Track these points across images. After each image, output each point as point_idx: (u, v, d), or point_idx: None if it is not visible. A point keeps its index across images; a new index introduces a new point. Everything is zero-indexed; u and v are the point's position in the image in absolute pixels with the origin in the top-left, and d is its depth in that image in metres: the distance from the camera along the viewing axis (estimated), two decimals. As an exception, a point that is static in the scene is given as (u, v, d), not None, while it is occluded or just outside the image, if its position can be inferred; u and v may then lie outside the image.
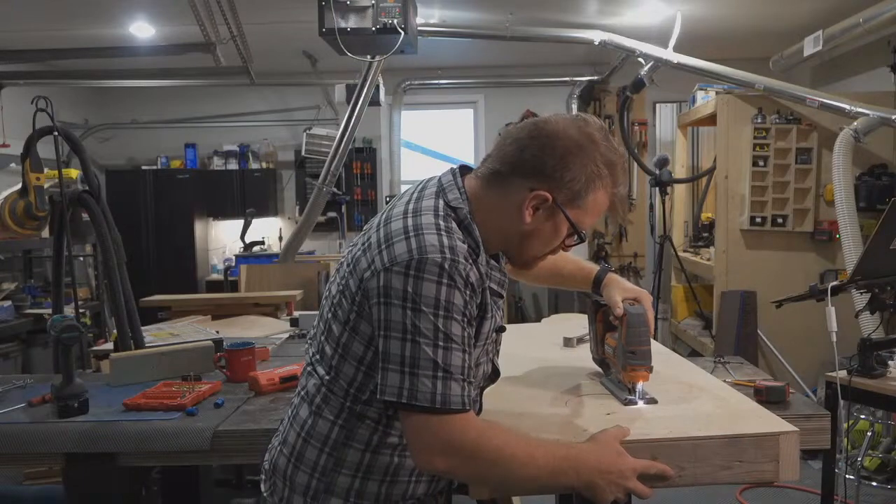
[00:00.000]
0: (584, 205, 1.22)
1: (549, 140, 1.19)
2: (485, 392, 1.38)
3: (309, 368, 1.31)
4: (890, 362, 2.47)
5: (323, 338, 1.26)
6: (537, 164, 1.19)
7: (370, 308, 1.15)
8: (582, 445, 1.19)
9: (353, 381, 1.21)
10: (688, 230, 6.10)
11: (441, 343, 1.10)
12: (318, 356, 1.27)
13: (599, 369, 1.66)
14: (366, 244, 1.19)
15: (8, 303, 4.10)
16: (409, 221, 1.16)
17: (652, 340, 1.46)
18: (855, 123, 4.16)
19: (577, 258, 1.68)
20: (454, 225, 1.18)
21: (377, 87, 4.69)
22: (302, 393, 1.31)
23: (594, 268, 1.62)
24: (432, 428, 1.10)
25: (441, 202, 1.21)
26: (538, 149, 1.19)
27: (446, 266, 1.11)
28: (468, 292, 1.13)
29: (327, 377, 1.24)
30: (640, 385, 1.42)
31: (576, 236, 1.26)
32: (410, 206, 1.20)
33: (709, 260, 5.12)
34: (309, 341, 1.36)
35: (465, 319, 1.13)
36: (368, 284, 1.14)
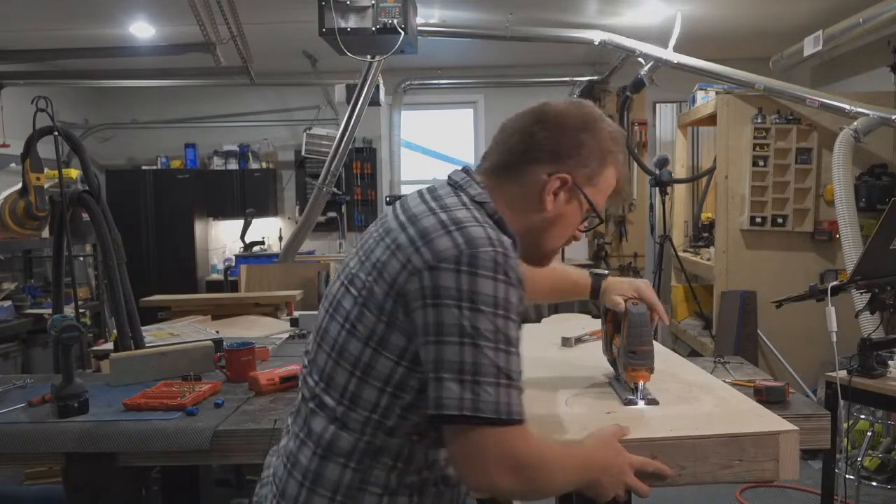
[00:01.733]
0: (598, 183, 1.19)
1: (558, 120, 1.17)
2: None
3: (311, 405, 1.14)
4: (890, 362, 2.47)
5: (331, 363, 1.11)
6: (552, 146, 1.15)
7: (411, 314, 1.03)
8: (588, 443, 1.18)
9: (375, 407, 1.07)
10: (688, 230, 6.10)
11: (502, 346, 1.00)
12: (323, 385, 1.12)
13: (602, 368, 1.66)
14: (391, 247, 1.07)
15: (8, 303, 4.10)
16: (443, 216, 1.06)
17: (653, 341, 1.46)
18: (855, 123, 4.16)
19: (567, 271, 1.67)
20: (489, 219, 1.10)
21: (377, 87, 4.69)
22: (301, 435, 1.14)
23: (587, 277, 1.62)
24: (497, 442, 0.99)
25: (465, 198, 1.13)
26: (550, 131, 1.16)
27: (500, 260, 1.01)
28: (520, 289, 1.04)
29: (340, 408, 1.09)
30: (641, 385, 1.42)
31: (590, 220, 1.23)
32: (433, 205, 1.10)
33: (709, 260, 5.12)
34: (304, 376, 1.19)
35: (519, 319, 1.04)
36: (407, 287, 1.03)
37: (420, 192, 1.20)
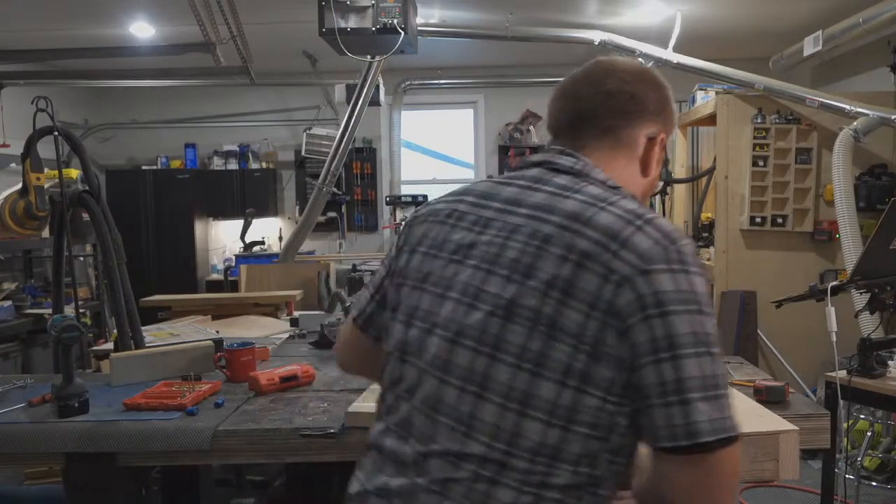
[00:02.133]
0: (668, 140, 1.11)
1: (643, 77, 1.06)
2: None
3: (487, 473, 0.89)
4: (889, 362, 2.47)
5: (512, 416, 0.89)
6: (651, 104, 1.05)
7: (627, 332, 0.86)
8: None
9: (580, 458, 0.89)
10: (688, 230, 6.10)
11: (721, 350, 0.89)
12: (503, 447, 0.89)
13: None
14: (571, 257, 0.89)
15: (8, 303, 4.10)
16: (615, 210, 0.92)
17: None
18: (855, 123, 4.17)
19: None
20: None
21: (377, 87, 4.69)
22: None
23: None
24: (731, 462, 0.87)
25: (600, 185, 0.98)
26: (644, 89, 1.05)
27: (695, 251, 0.91)
28: None
29: (538, 468, 0.88)
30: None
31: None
32: (582, 197, 0.95)
33: (709, 260, 5.12)
34: (459, 438, 0.92)
35: None
36: (617, 302, 0.86)
37: (520, 183, 1.01)
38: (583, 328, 0.87)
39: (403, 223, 1.16)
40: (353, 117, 4.39)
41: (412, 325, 1.01)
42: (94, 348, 2.84)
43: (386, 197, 6.90)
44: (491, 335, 0.91)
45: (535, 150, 6.98)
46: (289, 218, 7.20)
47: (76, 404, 1.79)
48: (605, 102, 1.04)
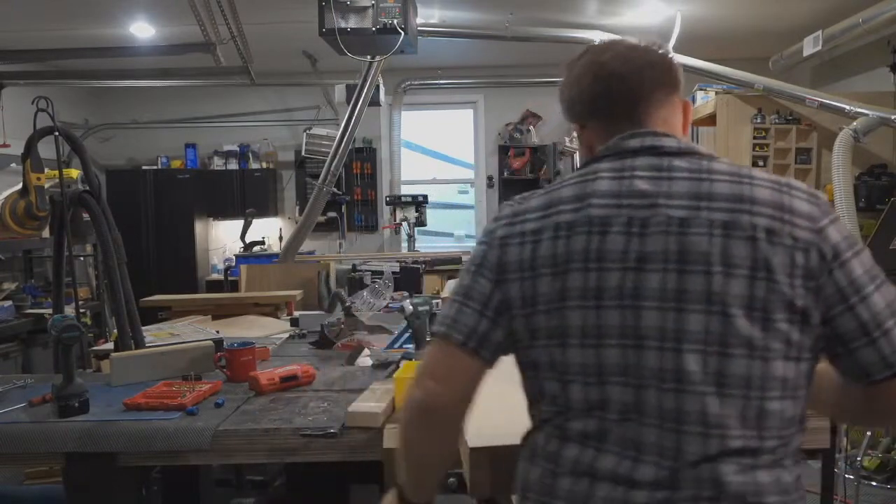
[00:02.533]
0: None
1: (658, 48, 1.11)
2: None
3: (734, 464, 0.92)
4: (889, 362, 2.47)
5: (756, 404, 0.93)
6: (675, 73, 1.10)
7: (820, 291, 0.94)
8: None
9: (801, 419, 0.99)
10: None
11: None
12: (754, 433, 0.93)
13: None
14: (759, 236, 0.93)
15: (8, 303, 4.10)
16: (761, 182, 0.97)
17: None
18: (854, 123, 4.17)
19: None
20: None
21: (377, 87, 4.70)
22: (706, 494, 0.92)
23: None
24: None
25: (714, 158, 1.03)
26: (667, 59, 1.10)
27: None
28: None
29: (785, 439, 0.96)
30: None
31: None
32: (724, 175, 0.98)
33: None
34: (709, 436, 0.93)
35: None
36: (810, 265, 0.93)
37: (644, 174, 1.00)
38: (793, 300, 0.92)
39: (486, 244, 1.07)
40: (353, 117, 4.39)
41: (603, 346, 0.96)
42: (94, 348, 2.84)
43: (386, 197, 6.90)
44: (715, 334, 0.93)
45: (535, 149, 7.00)
46: (289, 218, 7.21)
47: (76, 404, 1.79)
48: (651, 77, 1.06)
